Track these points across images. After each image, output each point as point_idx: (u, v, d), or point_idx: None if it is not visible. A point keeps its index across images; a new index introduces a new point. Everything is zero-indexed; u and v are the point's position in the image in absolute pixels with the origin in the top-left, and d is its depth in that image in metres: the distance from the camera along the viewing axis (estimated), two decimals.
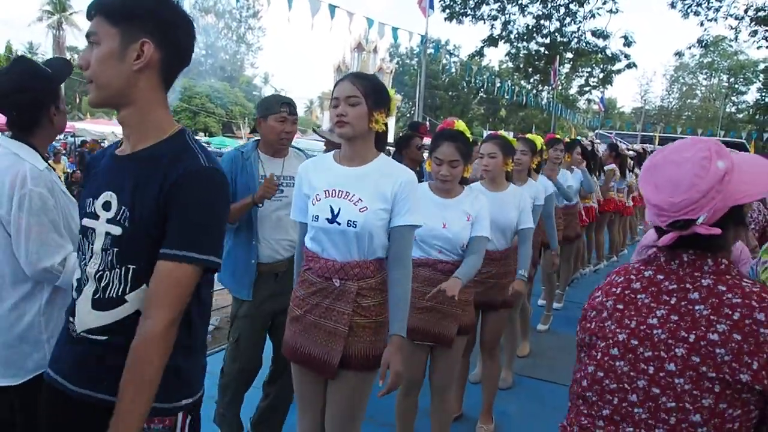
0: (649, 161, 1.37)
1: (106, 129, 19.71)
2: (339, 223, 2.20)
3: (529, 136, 4.53)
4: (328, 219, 2.21)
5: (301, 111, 61.96)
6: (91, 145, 17.30)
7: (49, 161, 2.27)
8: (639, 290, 1.35)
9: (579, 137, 18.98)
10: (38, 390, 1.67)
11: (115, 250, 1.47)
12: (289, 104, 3.10)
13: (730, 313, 1.21)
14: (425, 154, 3.98)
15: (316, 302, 2.26)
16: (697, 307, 1.25)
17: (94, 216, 1.52)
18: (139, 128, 1.52)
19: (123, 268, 1.48)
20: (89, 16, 1.46)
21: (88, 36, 1.46)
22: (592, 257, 8.65)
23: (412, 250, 2.31)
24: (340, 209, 2.20)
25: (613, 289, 1.40)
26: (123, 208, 1.47)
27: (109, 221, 1.48)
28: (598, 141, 13.23)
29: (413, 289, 2.67)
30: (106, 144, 18.69)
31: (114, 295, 1.48)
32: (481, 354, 3.77)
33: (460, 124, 2.98)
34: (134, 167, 1.49)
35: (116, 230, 1.47)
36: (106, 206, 1.50)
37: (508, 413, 3.98)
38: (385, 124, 2.32)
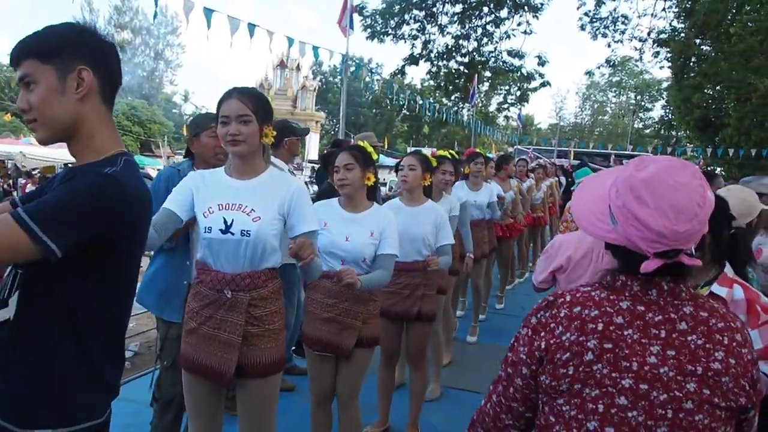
0: (637, 177, 1.20)
1: (13, 149, 18.63)
2: (233, 234, 2.25)
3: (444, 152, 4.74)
4: (221, 230, 2.25)
5: None
6: None
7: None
8: (624, 326, 1.20)
9: (500, 152, 19.59)
10: None
11: None
12: None
13: (720, 338, 1.19)
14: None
15: (209, 314, 2.30)
16: (689, 338, 1.19)
17: None
18: (83, 154, 1.53)
19: (14, 271, 1.50)
20: (15, 63, 1.48)
21: (21, 79, 1.47)
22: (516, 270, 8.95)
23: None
24: (233, 220, 2.25)
25: (590, 326, 1.21)
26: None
27: None
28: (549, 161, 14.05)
29: (316, 300, 2.88)
30: (10, 165, 17.63)
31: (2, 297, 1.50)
32: (408, 366, 3.84)
33: (366, 145, 3.06)
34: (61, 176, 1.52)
35: None
36: None
37: (434, 424, 4.04)
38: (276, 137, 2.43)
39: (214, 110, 2.41)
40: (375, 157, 3.08)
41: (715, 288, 2.02)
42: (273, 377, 2.37)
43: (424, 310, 3.58)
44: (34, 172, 17.43)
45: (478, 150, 6.56)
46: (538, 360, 1.26)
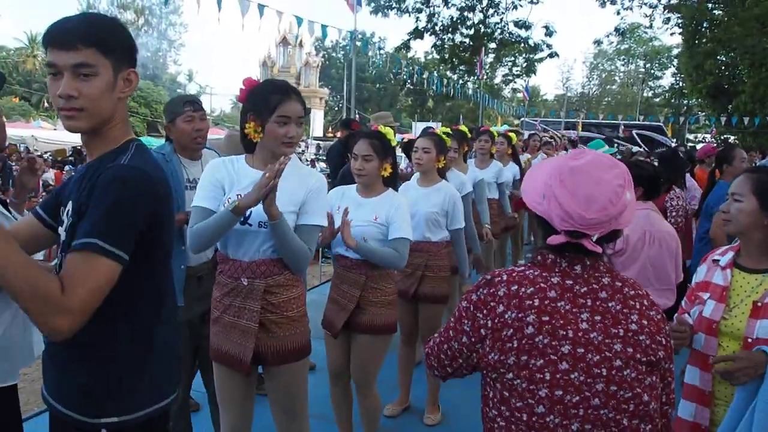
0: (567, 165, 1.39)
1: (24, 132, 18.69)
2: (250, 225, 2.27)
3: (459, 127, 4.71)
4: (239, 221, 2.25)
5: (227, 107, 60.79)
6: (10, 149, 16.37)
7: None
8: (557, 299, 1.37)
9: (506, 125, 19.47)
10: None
11: (62, 254, 1.53)
12: (192, 102, 3.07)
13: (633, 304, 1.40)
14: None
15: (229, 302, 2.33)
16: (610, 304, 1.38)
17: (62, 223, 1.57)
18: (101, 144, 1.56)
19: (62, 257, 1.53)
20: (70, 47, 1.43)
21: (78, 66, 1.43)
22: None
23: (314, 246, 2.39)
24: (251, 212, 2.24)
25: (528, 302, 1.37)
26: (73, 215, 1.50)
27: (64, 227, 1.54)
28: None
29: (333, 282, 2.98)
30: (22, 149, 17.75)
31: None
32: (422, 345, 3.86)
33: (388, 131, 3.03)
34: (86, 176, 1.53)
35: (65, 236, 1.53)
36: (67, 214, 1.54)
37: (453, 401, 4.09)
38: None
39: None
40: (394, 143, 3.05)
41: None
42: (296, 364, 2.39)
43: (422, 290, 3.58)
44: (45, 156, 17.49)
45: (487, 123, 6.57)
46: (481, 337, 1.42)
